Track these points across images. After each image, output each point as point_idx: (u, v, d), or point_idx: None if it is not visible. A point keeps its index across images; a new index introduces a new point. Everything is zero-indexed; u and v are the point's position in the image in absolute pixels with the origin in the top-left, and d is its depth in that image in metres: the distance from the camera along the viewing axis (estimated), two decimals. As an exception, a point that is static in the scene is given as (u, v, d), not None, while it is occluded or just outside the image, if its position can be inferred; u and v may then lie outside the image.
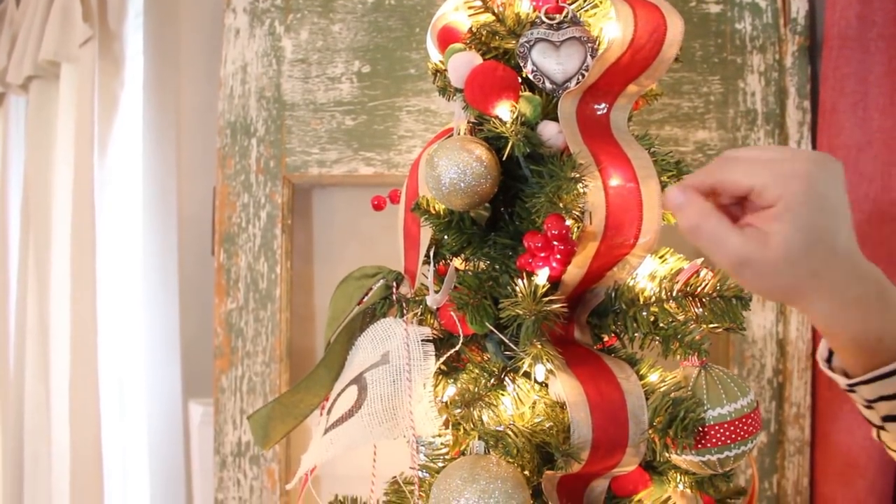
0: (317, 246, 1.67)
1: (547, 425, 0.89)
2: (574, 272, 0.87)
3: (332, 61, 1.58)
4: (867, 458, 1.46)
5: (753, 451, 0.92)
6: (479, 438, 0.86)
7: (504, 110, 0.90)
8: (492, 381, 0.88)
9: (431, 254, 1.00)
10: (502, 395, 0.87)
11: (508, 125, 0.89)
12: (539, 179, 0.90)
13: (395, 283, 1.02)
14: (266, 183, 1.58)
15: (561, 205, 0.86)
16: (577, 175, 0.84)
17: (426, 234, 1.02)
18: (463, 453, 0.98)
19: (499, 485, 0.79)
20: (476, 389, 0.85)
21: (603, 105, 0.94)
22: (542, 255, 0.84)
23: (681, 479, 0.94)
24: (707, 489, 0.95)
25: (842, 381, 0.70)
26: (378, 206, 1.15)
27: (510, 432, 0.85)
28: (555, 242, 0.82)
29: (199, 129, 1.72)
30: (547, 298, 0.83)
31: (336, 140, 1.57)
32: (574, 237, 0.86)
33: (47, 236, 1.86)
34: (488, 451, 0.85)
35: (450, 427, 0.97)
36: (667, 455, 0.90)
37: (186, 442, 1.74)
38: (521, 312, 0.82)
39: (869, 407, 0.70)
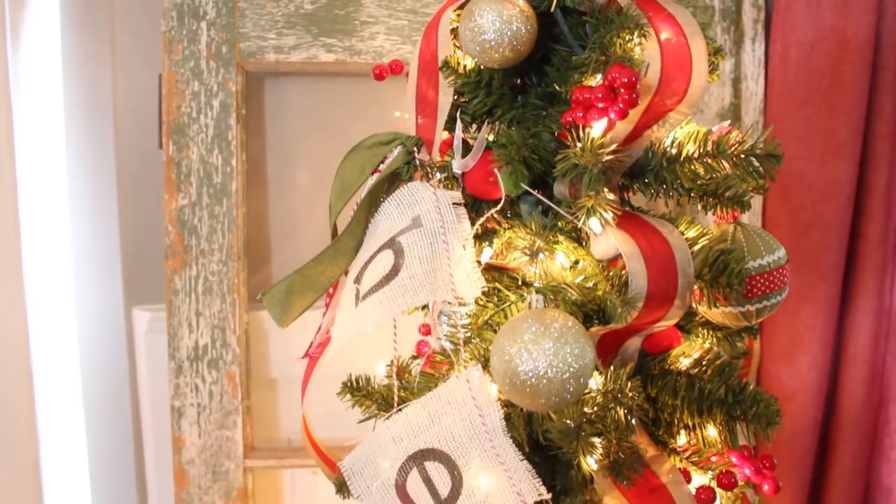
0: (270, 139, 1.58)
1: (590, 284, 0.89)
2: (621, 128, 0.86)
3: (288, -61, 1.47)
4: (811, 336, 1.56)
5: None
6: (538, 293, 0.84)
7: (548, -40, 0.87)
8: (538, 238, 0.87)
9: (457, 116, 0.96)
10: (557, 248, 0.86)
11: (554, -25, 0.86)
12: (581, 33, 0.88)
13: (415, 149, 0.98)
14: (218, 70, 1.47)
15: (612, 57, 0.85)
16: (634, 25, 0.83)
17: (446, 98, 0.98)
18: (487, 324, 0.97)
19: (571, 332, 0.78)
20: (536, 242, 0.84)
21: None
22: (601, 105, 0.82)
23: (709, 336, 0.97)
24: (728, 345, 0.98)
25: None
26: (379, 76, 1.10)
27: (566, 287, 0.84)
28: (621, 90, 0.80)
29: (138, 11, 1.57)
30: (607, 149, 0.82)
31: (294, 25, 1.48)
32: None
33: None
34: (546, 305, 0.84)
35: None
36: (704, 310, 0.92)
37: (131, 352, 1.63)
38: (582, 162, 0.81)
39: None
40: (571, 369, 0.77)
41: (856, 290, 1.58)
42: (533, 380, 0.77)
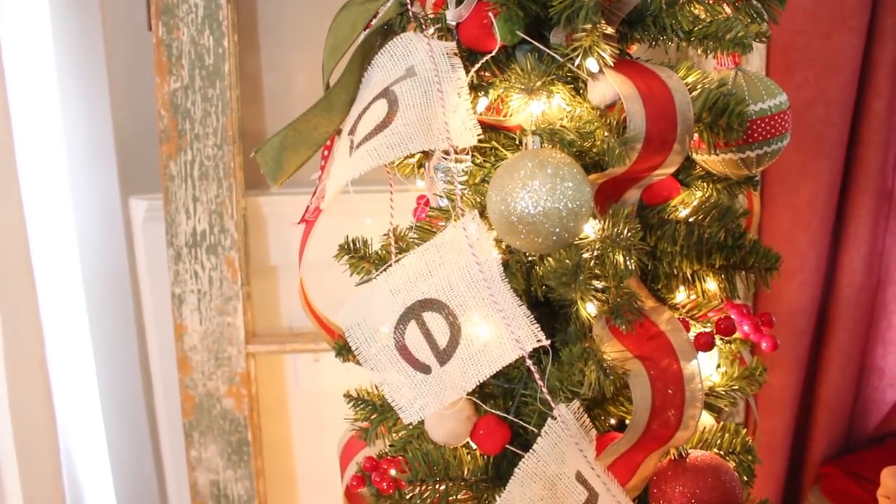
0: (262, 19, 1.55)
1: (589, 129, 0.88)
2: (620, -35, 0.84)
3: None
4: (811, 214, 1.56)
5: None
6: (534, 133, 0.83)
7: None
8: (538, 81, 0.85)
9: (451, -35, 0.93)
10: (554, 91, 0.84)
11: None
12: None
13: (408, 1, 0.95)
14: (205, -54, 1.43)
15: None
16: None
17: (438, -52, 0.95)
18: (483, 181, 0.96)
19: (568, 169, 0.77)
20: (532, 78, 0.82)
21: None
22: (597, -64, 0.79)
23: (709, 189, 0.96)
24: (728, 197, 0.97)
25: None
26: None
27: (563, 128, 0.83)
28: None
29: None
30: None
31: None
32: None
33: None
34: (543, 145, 0.82)
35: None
36: (704, 158, 0.91)
37: (129, 242, 1.63)
38: (578, -5, 0.78)
39: None
40: (568, 206, 0.76)
41: (858, 167, 1.57)
42: (529, 217, 0.76)
